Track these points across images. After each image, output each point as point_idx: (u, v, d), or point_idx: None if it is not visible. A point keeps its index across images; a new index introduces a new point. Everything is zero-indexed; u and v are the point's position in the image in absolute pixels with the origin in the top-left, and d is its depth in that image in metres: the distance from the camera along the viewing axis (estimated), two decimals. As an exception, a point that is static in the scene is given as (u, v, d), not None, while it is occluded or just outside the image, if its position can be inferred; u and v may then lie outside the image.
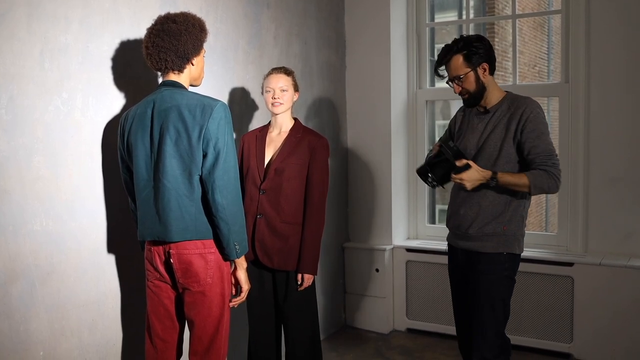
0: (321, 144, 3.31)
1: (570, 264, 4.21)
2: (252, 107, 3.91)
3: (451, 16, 10.42)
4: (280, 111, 3.27)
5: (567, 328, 4.26)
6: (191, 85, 2.76)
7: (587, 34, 4.19)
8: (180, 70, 2.65)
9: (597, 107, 4.21)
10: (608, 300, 4.11)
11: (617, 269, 4.06)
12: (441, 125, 11.73)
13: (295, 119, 3.37)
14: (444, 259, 4.60)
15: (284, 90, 3.26)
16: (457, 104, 10.81)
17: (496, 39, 11.14)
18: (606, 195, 4.20)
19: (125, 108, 2.99)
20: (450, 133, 3.33)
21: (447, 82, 3.17)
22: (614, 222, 4.20)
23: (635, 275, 4.01)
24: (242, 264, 2.71)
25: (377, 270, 4.82)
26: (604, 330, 4.13)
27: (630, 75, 4.09)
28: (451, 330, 4.61)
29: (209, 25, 2.77)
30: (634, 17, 4.05)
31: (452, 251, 3.29)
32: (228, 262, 2.68)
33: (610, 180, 4.17)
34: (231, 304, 2.73)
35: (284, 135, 3.31)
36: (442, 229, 5.06)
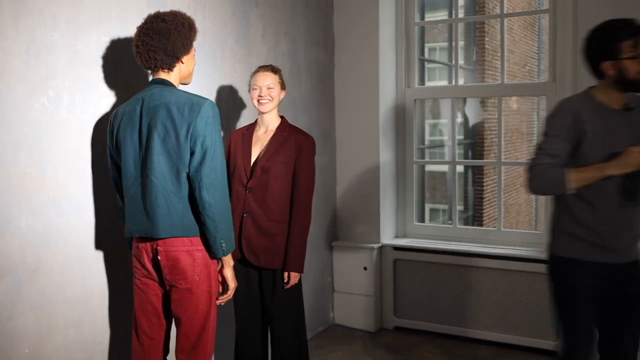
0: (307, 142, 3.32)
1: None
2: (240, 105, 3.91)
3: (442, 15, 10.47)
4: (266, 109, 3.28)
5: (552, 325, 4.28)
6: (181, 83, 2.77)
7: (574, 34, 4.22)
8: (170, 68, 2.67)
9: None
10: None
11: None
12: (431, 124, 11.81)
13: (281, 117, 3.39)
14: (432, 258, 4.67)
15: (270, 88, 3.27)
16: (446, 103, 10.73)
17: (486, 38, 11.20)
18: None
19: (113, 106, 2.99)
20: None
21: (624, 58, 2.71)
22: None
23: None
24: (229, 262, 2.73)
25: (365, 268, 4.84)
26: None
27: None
28: (438, 328, 4.68)
29: (197, 24, 2.77)
30: (620, 16, 4.07)
31: (597, 268, 2.76)
32: (215, 260, 2.70)
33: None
34: (218, 302, 2.75)
35: (271, 134, 3.31)
36: (430, 228, 5.10)
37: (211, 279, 2.68)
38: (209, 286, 2.67)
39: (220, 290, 2.79)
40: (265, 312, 3.38)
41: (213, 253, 2.63)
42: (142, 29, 2.64)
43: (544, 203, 4.54)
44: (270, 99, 3.26)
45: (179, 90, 2.65)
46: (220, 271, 2.75)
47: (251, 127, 3.39)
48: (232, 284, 2.77)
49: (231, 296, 2.81)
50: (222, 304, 2.80)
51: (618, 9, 4.08)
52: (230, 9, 3.79)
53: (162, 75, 2.67)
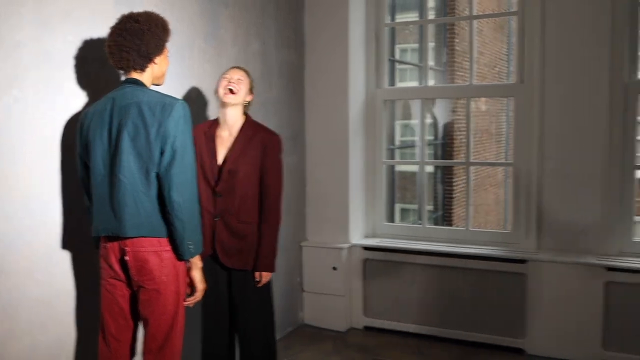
0: (273, 140, 3.31)
1: (523, 261, 4.29)
2: (208, 106, 3.89)
3: (413, 16, 10.53)
4: (231, 101, 3.24)
5: (521, 324, 4.35)
6: (154, 84, 2.77)
7: (542, 36, 4.28)
8: (143, 69, 2.67)
9: (551, 107, 4.30)
10: (560, 296, 4.20)
11: (569, 265, 4.15)
12: (402, 125, 11.87)
13: (245, 114, 3.35)
14: (402, 257, 4.69)
15: (240, 80, 3.26)
16: (417, 104, 10.89)
17: (456, 40, 11.28)
18: (559, 193, 4.30)
19: (80, 105, 2.96)
20: None
21: None
22: (567, 220, 4.29)
23: (587, 271, 4.11)
24: (196, 263, 2.72)
25: (334, 268, 4.85)
26: (556, 326, 4.22)
27: (583, 76, 4.19)
28: (408, 327, 4.70)
29: (166, 25, 2.76)
30: (587, 19, 4.14)
31: None
32: (184, 261, 2.68)
33: (564, 179, 4.27)
34: (186, 303, 2.74)
35: (235, 134, 3.29)
36: (399, 228, 5.13)
37: (179, 280, 2.67)
38: (176, 287, 2.66)
39: (189, 291, 2.78)
40: (234, 312, 3.37)
41: (180, 254, 2.62)
42: (115, 29, 2.63)
43: (512, 203, 4.59)
44: (238, 90, 3.25)
45: (151, 90, 2.65)
46: (188, 272, 2.73)
47: (213, 126, 3.34)
48: (200, 285, 2.76)
49: (199, 298, 2.80)
50: (191, 305, 2.79)
51: (585, 11, 4.16)
52: (199, 9, 3.77)
53: (135, 75, 2.67)
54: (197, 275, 2.73)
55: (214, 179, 3.23)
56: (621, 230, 4.24)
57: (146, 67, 2.67)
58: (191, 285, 2.77)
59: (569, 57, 4.21)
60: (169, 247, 2.60)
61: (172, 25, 3.44)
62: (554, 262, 4.20)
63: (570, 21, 4.21)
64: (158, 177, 2.54)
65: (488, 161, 13.49)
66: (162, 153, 2.52)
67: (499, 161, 14.24)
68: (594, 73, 4.17)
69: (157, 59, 2.70)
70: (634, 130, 4.20)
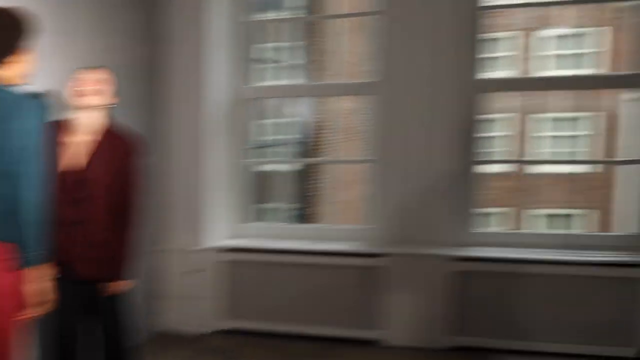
0: (130, 147, 3.22)
1: (377, 255, 4.47)
2: (57, 107, 3.70)
3: (284, 14, 10.58)
4: (88, 103, 3.11)
5: (377, 316, 4.50)
6: (12, 84, 2.59)
7: (402, 35, 4.46)
8: None
9: (404, 105, 4.48)
10: (411, 287, 4.40)
11: (419, 257, 4.39)
12: (271, 124, 11.90)
13: (103, 118, 3.21)
14: (264, 257, 4.72)
15: (99, 81, 3.13)
16: (280, 103, 10.93)
17: (323, 39, 11.45)
18: (411, 188, 4.51)
19: None
20: None
21: None
22: (418, 214, 4.50)
23: (434, 261, 4.35)
24: (40, 273, 2.55)
25: (194, 271, 4.79)
26: (409, 316, 4.41)
27: (432, 75, 4.40)
28: (270, 327, 4.72)
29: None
30: (433, 20, 4.38)
31: None
32: (23, 271, 2.51)
33: (415, 174, 4.47)
34: (25, 317, 2.58)
35: (92, 139, 3.14)
36: (263, 227, 5.15)
37: (14, 291, 2.50)
38: (12, 299, 2.49)
39: (30, 304, 2.59)
40: (86, 324, 3.26)
41: (21, 262, 2.47)
42: None
43: (371, 199, 4.73)
44: (96, 92, 3.12)
45: (6, 87, 2.52)
46: (30, 283, 2.55)
47: (66, 128, 3.16)
48: (42, 297, 2.59)
49: (42, 311, 2.64)
50: (31, 319, 2.63)
51: (430, 12, 4.37)
52: (45, 1, 3.58)
53: None
54: (40, 285, 2.57)
55: (70, 186, 3.06)
56: (464, 222, 4.53)
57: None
58: (32, 298, 2.59)
59: (421, 57, 4.42)
60: (7, 255, 2.44)
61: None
62: (404, 255, 4.40)
63: (420, 22, 4.41)
64: (6, 176, 2.40)
65: (347, 159, 13.70)
66: (13, 151, 2.39)
67: (362, 158, 14.56)
68: (442, 72, 4.41)
69: (14, 58, 2.56)
70: (476, 127, 4.49)
